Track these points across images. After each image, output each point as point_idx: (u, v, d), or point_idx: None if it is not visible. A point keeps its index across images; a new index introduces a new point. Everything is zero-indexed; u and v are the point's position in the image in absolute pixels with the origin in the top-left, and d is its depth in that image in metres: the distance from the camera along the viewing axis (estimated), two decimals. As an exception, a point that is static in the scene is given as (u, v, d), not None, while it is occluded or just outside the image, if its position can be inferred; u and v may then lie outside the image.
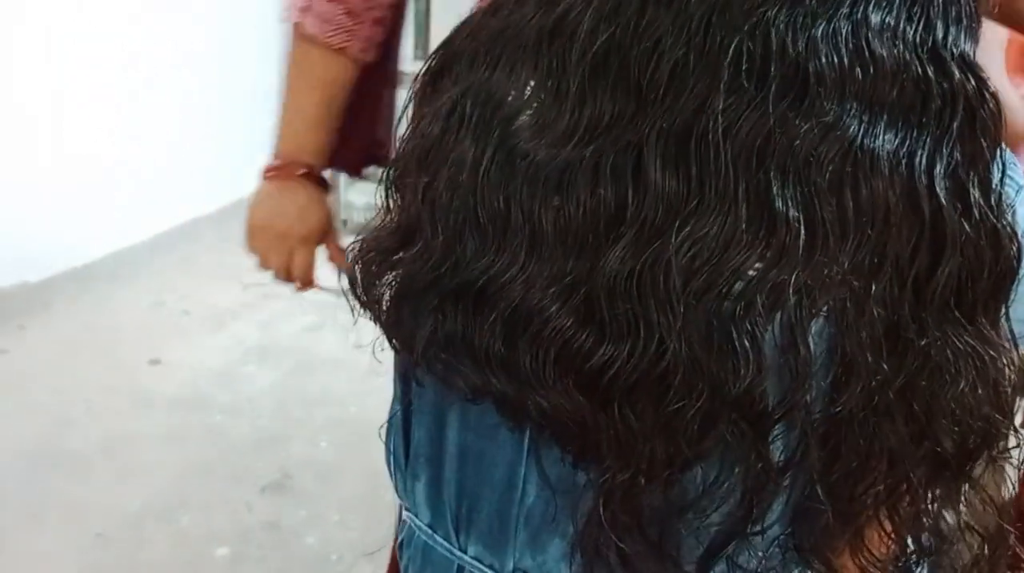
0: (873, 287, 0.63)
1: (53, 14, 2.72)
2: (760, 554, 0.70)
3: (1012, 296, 0.67)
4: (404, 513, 0.89)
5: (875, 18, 0.63)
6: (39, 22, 2.69)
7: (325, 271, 1.22)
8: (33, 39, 2.68)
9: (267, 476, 2.23)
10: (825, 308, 0.63)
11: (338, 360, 2.64)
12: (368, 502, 2.09)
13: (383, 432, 0.88)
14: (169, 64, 3.04)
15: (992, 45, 1.27)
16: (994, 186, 0.65)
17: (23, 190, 2.70)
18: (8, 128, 2.66)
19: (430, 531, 0.85)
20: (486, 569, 0.81)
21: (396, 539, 0.94)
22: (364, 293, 0.76)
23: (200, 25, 3.12)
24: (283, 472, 2.24)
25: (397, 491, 0.89)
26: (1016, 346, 0.69)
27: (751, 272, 0.62)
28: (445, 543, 0.84)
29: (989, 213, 0.65)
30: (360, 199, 3.38)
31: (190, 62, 3.10)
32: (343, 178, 3.37)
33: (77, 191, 2.83)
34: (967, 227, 0.64)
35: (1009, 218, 0.66)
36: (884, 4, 0.63)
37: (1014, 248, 0.66)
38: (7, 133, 2.66)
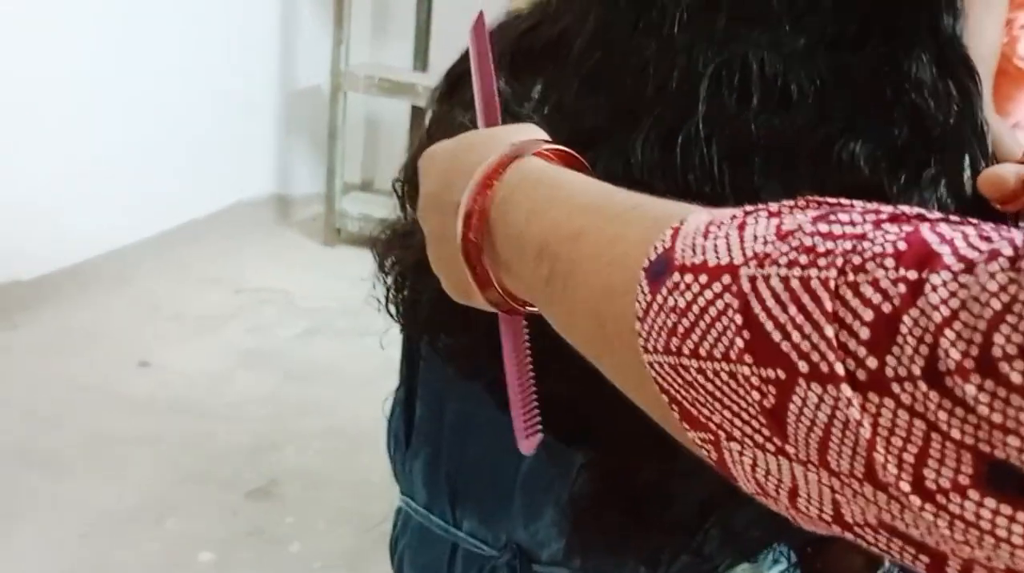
0: None
1: (38, 10, 2.72)
2: (753, 515, 0.74)
3: None
4: (399, 501, 0.92)
5: (844, 39, 0.70)
6: (20, 16, 2.70)
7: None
8: (23, 35, 2.68)
9: (254, 482, 2.22)
10: None
11: (330, 368, 2.64)
12: (355, 511, 2.08)
13: (387, 407, 0.91)
14: (167, 60, 3.04)
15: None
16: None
17: (18, 187, 2.70)
18: (3, 126, 2.66)
19: (426, 512, 0.88)
20: (479, 544, 0.84)
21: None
22: (379, 268, 0.82)
23: (200, 21, 3.13)
24: (271, 479, 2.24)
25: (396, 475, 0.92)
26: None
27: None
28: (441, 521, 0.87)
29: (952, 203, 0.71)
30: (354, 209, 3.38)
31: (189, 57, 3.11)
32: (338, 188, 3.38)
33: (73, 190, 2.83)
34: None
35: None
36: (848, 28, 0.70)
37: None
38: (2, 131, 2.66)
